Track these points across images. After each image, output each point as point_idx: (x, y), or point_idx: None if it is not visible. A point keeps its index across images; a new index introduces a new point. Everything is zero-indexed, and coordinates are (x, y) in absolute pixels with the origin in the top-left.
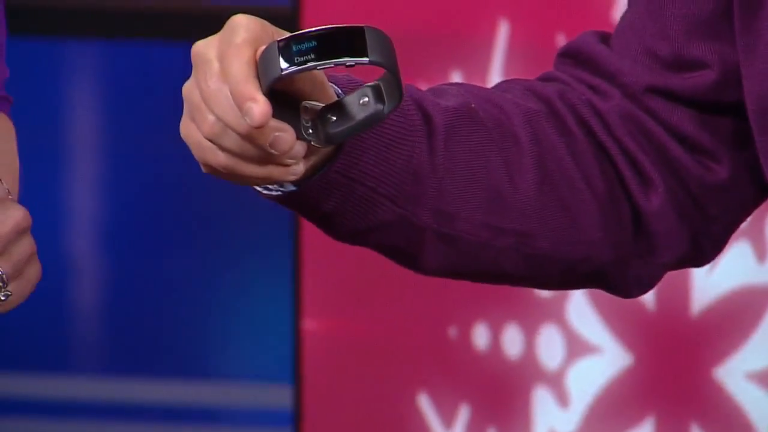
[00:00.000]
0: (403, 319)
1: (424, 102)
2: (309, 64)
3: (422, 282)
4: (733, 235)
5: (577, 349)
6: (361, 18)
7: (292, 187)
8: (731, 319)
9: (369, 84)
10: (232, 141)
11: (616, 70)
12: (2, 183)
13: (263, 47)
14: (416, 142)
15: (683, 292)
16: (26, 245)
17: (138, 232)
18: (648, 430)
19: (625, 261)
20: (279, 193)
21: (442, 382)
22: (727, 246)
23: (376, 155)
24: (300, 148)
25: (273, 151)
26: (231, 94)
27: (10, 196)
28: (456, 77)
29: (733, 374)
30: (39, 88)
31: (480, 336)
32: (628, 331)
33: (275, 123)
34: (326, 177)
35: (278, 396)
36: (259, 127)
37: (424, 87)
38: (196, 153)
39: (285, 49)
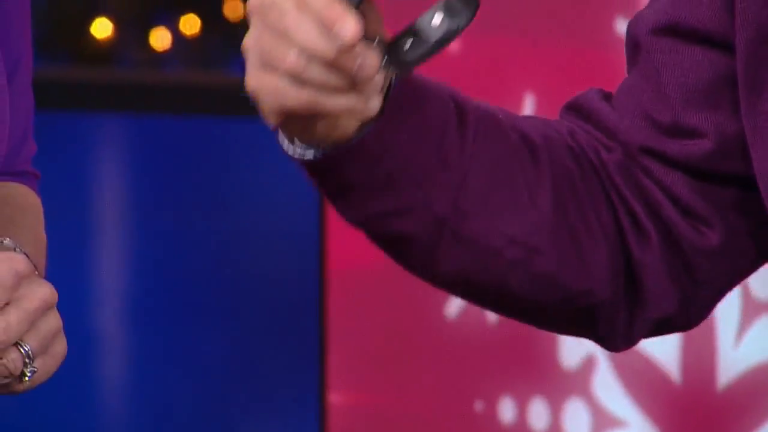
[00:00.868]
0: (429, 392)
1: (457, 95)
2: None
3: (448, 355)
4: (759, 310)
5: (603, 423)
6: None
7: (313, 154)
8: (758, 394)
9: (439, 2)
10: (317, 71)
11: (615, 128)
12: (29, 259)
13: None
14: (448, 129)
15: (709, 366)
16: (52, 321)
17: (163, 306)
18: None
19: (616, 307)
20: (310, 156)
21: None
22: (753, 319)
23: (409, 134)
24: (380, 77)
25: (360, 74)
26: (317, 18)
27: (35, 272)
28: None
29: None
30: (64, 162)
31: (506, 409)
32: (654, 404)
33: (362, 47)
34: (363, 140)
35: None
36: (351, 46)
37: None
38: (273, 98)
39: None
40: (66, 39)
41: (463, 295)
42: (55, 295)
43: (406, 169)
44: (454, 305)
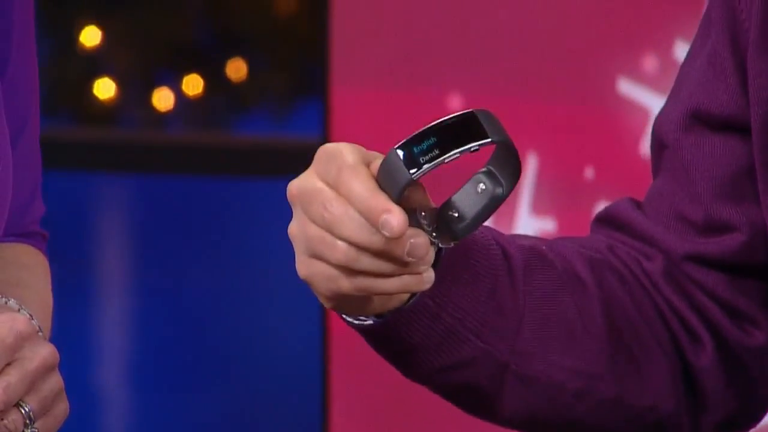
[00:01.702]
0: None
1: (500, 239)
2: (437, 160)
3: (452, 412)
4: None
5: None
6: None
7: (370, 321)
8: None
9: (480, 171)
10: (367, 261)
11: (652, 236)
12: (33, 320)
13: (377, 161)
14: (499, 276)
15: None
16: (54, 382)
17: (164, 366)
18: None
19: (680, 416)
20: (370, 322)
21: None
22: None
23: (463, 288)
24: (432, 253)
25: (410, 259)
26: (361, 212)
27: (40, 333)
28: None
29: None
30: (67, 221)
31: None
32: None
33: (409, 230)
34: (419, 302)
35: None
36: (399, 237)
37: None
38: (325, 286)
39: (406, 153)
40: (69, 99)
41: (529, 430)
42: (57, 356)
43: (463, 323)
44: None
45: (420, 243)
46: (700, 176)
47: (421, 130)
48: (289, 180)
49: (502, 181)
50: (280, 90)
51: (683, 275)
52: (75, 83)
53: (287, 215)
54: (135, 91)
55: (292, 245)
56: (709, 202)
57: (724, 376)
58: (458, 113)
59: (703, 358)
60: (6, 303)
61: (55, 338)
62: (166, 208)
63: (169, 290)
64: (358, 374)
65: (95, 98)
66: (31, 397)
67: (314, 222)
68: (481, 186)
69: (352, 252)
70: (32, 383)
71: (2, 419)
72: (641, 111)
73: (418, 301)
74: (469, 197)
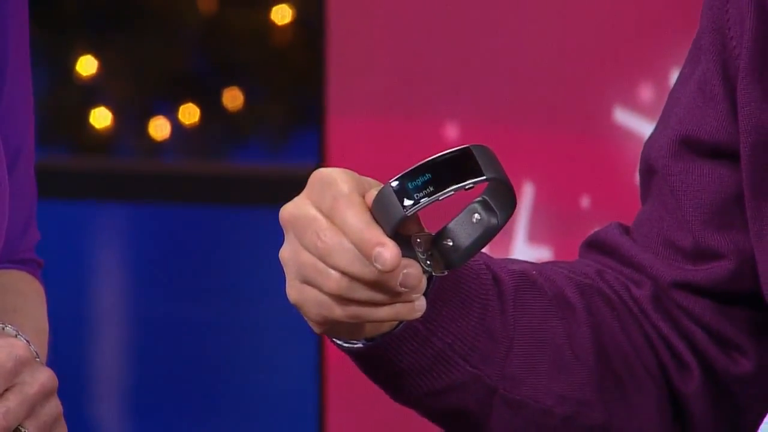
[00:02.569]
0: None
1: (491, 263)
2: (432, 197)
3: None
4: None
5: None
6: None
7: (361, 344)
8: None
9: (476, 200)
10: (360, 291)
11: (640, 263)
12: (30, 345)
13: (372, 190)
14: (489, 301)
15: None
16: (53, 407)
17: (160, 394)
18: None
19: None
20: (360, 345)
21: None
22: None
23: (453, 312)
24: (424, 281)
25: (403, 289)
26: (355, 244)
27: (37, 359)
28: None
29: None
30: (63, 250)
31: None
32: None
33: (403, 260)
34: (409, 326)
35: None
36: (392, 271)
37: None
38: (317, 311)
39: (401, 188)
40: (65, 128)
41: None
42: (55, 381)
43: (453, 347)
44: None
45: (413, 274)
46: (688, 203)
47: (416, 165)
48: None
49: (497, 212)
50: (277, 119)
51: (671, 302)
52: (71, 112)
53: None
54: (131, 120)
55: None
56: (697, 229)
57: (711, 403)
58: (454, 149)
59: (690, 384)
60: (3, 329)
61: (49, 365)
62: (162, 237)
63: (164, 319)
64: (354, 405)
65: (91, 127)
66: (30, 422)
67: (307, 249)
68: (476, 216)
69: (344, 282)
70: (31, 408)
71: None
72: (637, 140)
73: (408, 325)
74: (464, 226)
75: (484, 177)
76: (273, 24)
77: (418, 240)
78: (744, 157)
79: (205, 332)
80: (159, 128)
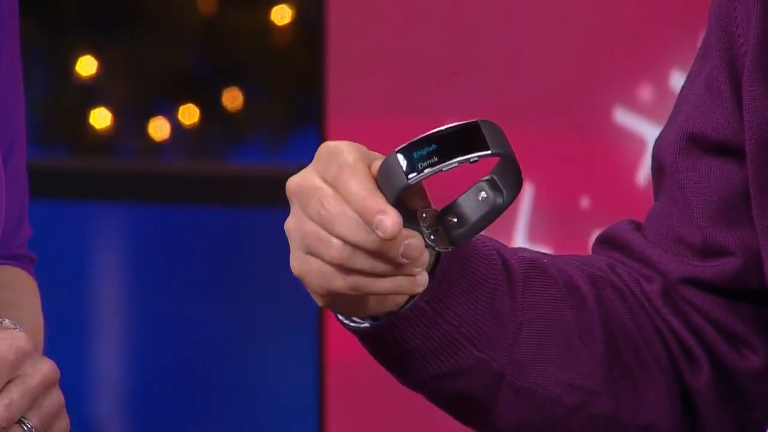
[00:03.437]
0: None
1: (502, 249)
2: (435, 167)
3: None
4: None
5: None
6: None
7: (367, 323)
8: None
9: (483, 179)
10: (361, 260)
11: (650, 258)
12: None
13: (377, 161)
14: (498, 286)
15: None
16: (55, 399)
17: (159, 394)
18: None
19: None
20: (366, 325)
21: None
22: None
23: (461, 295)
24: (426, 255)
25: (404, 260)
26: (357, 211)
27: (37, 350)
28: None
29: None
30: (64, 250)
31: None
32: None
33: (404, 231)
34: (416, 306)
35: None
36: (392, 239)
37: None
38: (319, 282)
39: (406, 157)
40: (65, 129)
41: None
42: (57, 372)
43: (460, 330)
44: None
45: (414, 244)
46: (695, 199)
47: (423, 135)
48: (286, 210)
49: (504, 190)
50: (277, 120)
51: (680, 297)
52: (71, 113)
53: (283, 245)
54: (131, 120)
55: (289, 273)
56: (704, 226)
57: (720, 398)
58: (463, 122)
59: (700, 379)
60: (2, 323)
61: None
62: (162, 237)
63: (164, 319)
64: (354, 405)
65: (91, 128)
66: (32, 413)
67: (311, 219)
68: (483, 194)
69: (347, 250)
70: (34, 400)
71: None
72: (637, 140)
73: (415, 305)
74: (469, 204)
75: (490, 152)
76: (273, 24)
77: (424, 215)
78: (749, 154)
79: (205, 332)
80: (159, 128)
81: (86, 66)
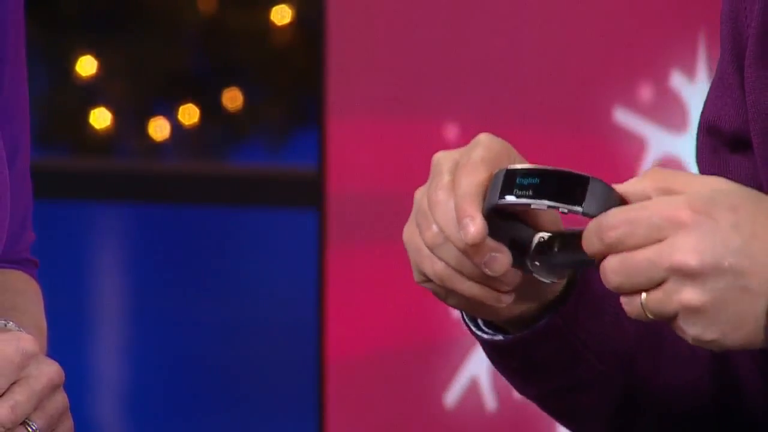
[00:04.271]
0: None
1: None
2: (525, 200)
3: None
4: None
5: None
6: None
7: (501, 337)
8: None
9: (583, 201)
10: (450, 253)
11: None
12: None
13: (499, 169)
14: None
15: None
16: (59, 400)
17: (161, 393)
18: None
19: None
20: (500, 338)
21: None
22: None
23: (591, 308)
24: (515, 275)
25: (488, 271)
26: (455, 206)
27: (42, 352)
28: None
29: None
30: (64, 250)
31: None
32: None
33: (493, 243)
34: (552, 321)
35: None
36: (473, 245)
37: None
38: (414, 258)
39: (509, 178)
40: (65, 129)
41: None
42: (62, 374)
43: (588, 345)
44: (453, 393)
45: (499, 259)
46: None
47: (534, 166)
48: (285, 210)
49: (603, 201)
50: (276, 120)
51: None
52: (71, 113)
53: (283, 244)
54: (131, 120)
55: (289, 273)
56: None
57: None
58: (577, 172)
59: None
60: (6, 326)
61: None
62: (162, 237)
63: (164, 319)
64: (353, 402)
65: (91, 128)
66: (37, 415)
67: (428, 196)
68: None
69: (439, 238)
70: (39, 402)
71: None
72: (637, 140)
73: (549, 321)
74: (572, 245)
75: (580, 209)
76: (273, 24)
77: (543, 237)
78: (756, 144)
79: (205, 332)
80: (159, 128)
81: (86, 66)
